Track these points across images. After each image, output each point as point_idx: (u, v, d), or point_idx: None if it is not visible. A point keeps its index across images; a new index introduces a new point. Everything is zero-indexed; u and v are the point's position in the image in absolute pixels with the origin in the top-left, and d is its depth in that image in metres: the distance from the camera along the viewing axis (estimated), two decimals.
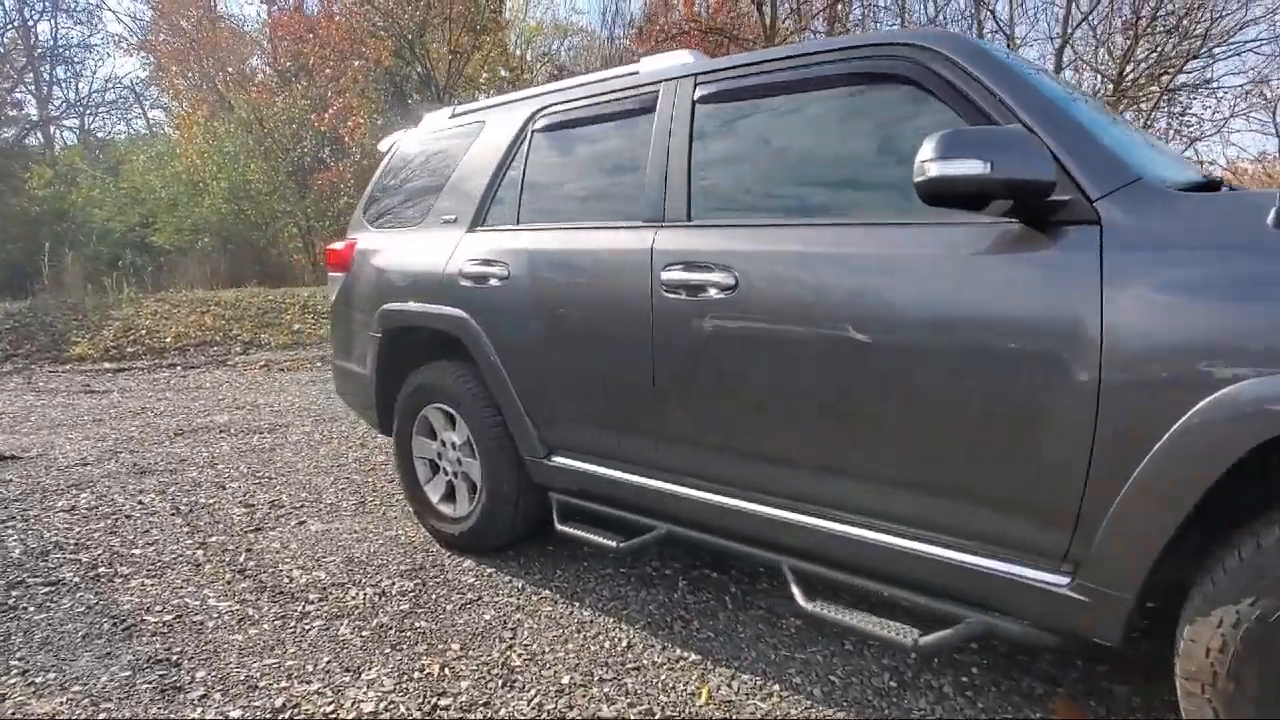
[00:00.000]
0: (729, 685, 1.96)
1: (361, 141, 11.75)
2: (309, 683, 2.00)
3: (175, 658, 2.13)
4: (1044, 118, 1.49)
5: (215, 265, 12.62)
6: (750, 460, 1.93)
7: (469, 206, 2.71)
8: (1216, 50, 11.30)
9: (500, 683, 1.99)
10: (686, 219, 2.05)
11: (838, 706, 1.86)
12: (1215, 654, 1.26)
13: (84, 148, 19.77)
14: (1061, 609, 1.48)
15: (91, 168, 15.53)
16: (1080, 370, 1.37)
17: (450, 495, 2.88)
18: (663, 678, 2.00)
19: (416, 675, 2.03)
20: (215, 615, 2.38)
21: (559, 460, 2.45)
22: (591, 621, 2.31)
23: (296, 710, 1.88)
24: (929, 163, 1.39)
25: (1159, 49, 11.88)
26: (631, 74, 2.38)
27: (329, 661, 2.10)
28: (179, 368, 7.88)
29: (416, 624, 2.31)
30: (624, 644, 2.18)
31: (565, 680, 1.99)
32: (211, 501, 3.49)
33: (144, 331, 8.86)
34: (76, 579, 2.65)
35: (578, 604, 2.43)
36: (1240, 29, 11.14)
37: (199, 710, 1.88)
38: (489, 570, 2.69)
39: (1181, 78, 11.95)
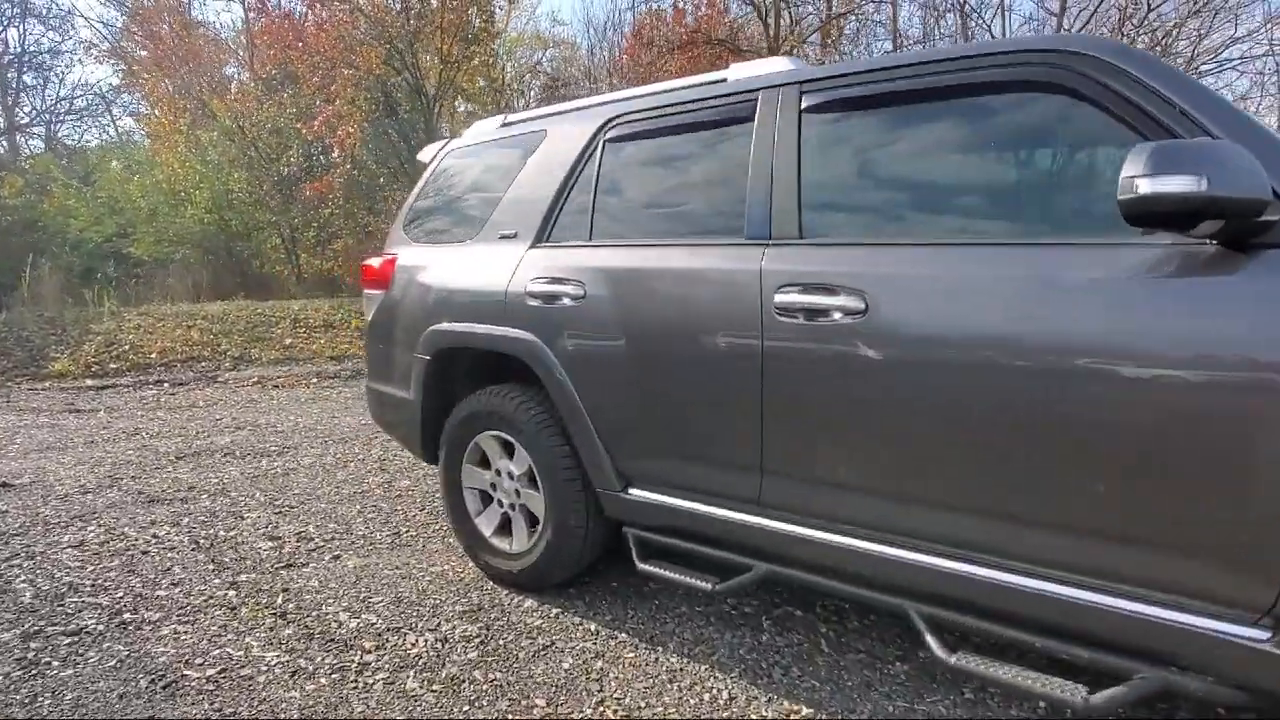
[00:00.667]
0: None
1: (352, 151, 11.49)
2: None
3: None
4: (1241, 130, 1.37)
5: (197, 277, 12.20)
6: (878, 497, 1.78)
7: (531, 221, 2.54)
8: (1203, 68, 11.51)
9: None
10: (798, 237, 1.90)
11: None
12: None
13: (54, 156, 19.14)
14: (1260, 666, 1.35)
15: (67, 176, 14.99)
16: None
17: (505, 529, 2.69)
18: None
19: None
20: (264, 668, 2.17)
21: (637, 493, 2.28)
22: (682, 670, 2.14)
23: None
24: (1139, 179, 1.26)
25: None
26: (718, 82, 2.24)
27: None
28: (166, 385, 7.54)
29: (490, 675, 2.12)
30: (725, 696, 2.01)
31: None
32: (232, 534, 3.25)
33: (127, 347, 8.50)
34: (100, 627, 2.41)
35: (661, 649, 2.26)
36: (1226, 48, 11.38)
37: None
38: (554, 610, 2.50)
39: None
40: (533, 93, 18.09)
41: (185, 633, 2.37)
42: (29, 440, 5.14)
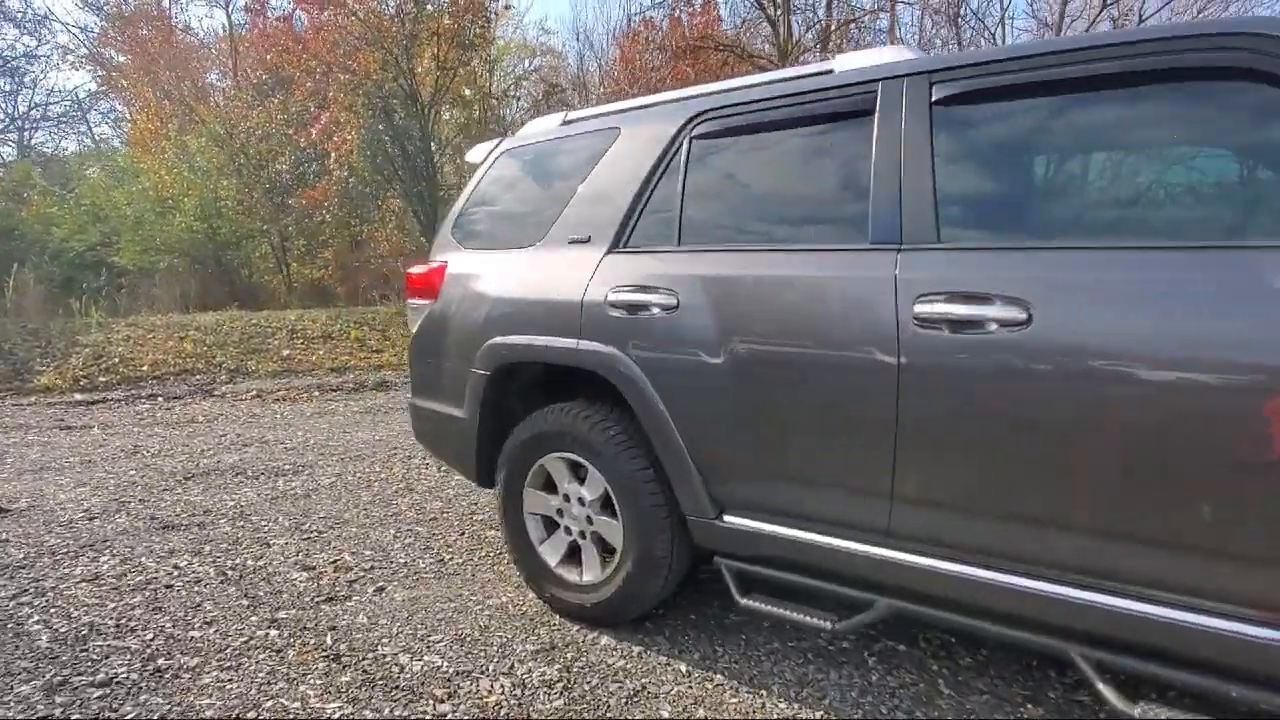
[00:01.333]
0: None
1: (349, 158, 11.20)
2: None
3: None
4: None
5: (185, 287, 11.83)
6: (1040, 528, 1.60)
7: (607, 224, 2.34)
8: None
9: None
10: (935, 240, 1.73)
11: None
12: None
13: (31, 163, 18.60)
14: None
15: (49, 183, 14.52)
16: None
17: (573, 558, 2.49)
18: None
19: None
20: None
21: (734, 520, 2.08)
22: (795, 719, 1.94)
23: None
24: None
25: None
26: (824, 73, 2.07)
27: None
28: (160, 399, 7.22)
29: None
30: None
31: None
32: (261, 563, 3.01)
33: (117, 359, 8.15)
34: (134, 675, 2.16)
35: (765, 693, 2.05)
36: None
37: None
38: (634, 648, 2.29)
39: None
40: (521, 101, 17.94)
41: (230, 681, 2.13)
42: (20, 460, 4.83)
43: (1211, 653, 1.43)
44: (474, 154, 2.96)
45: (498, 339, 2.49)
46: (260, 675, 2.16)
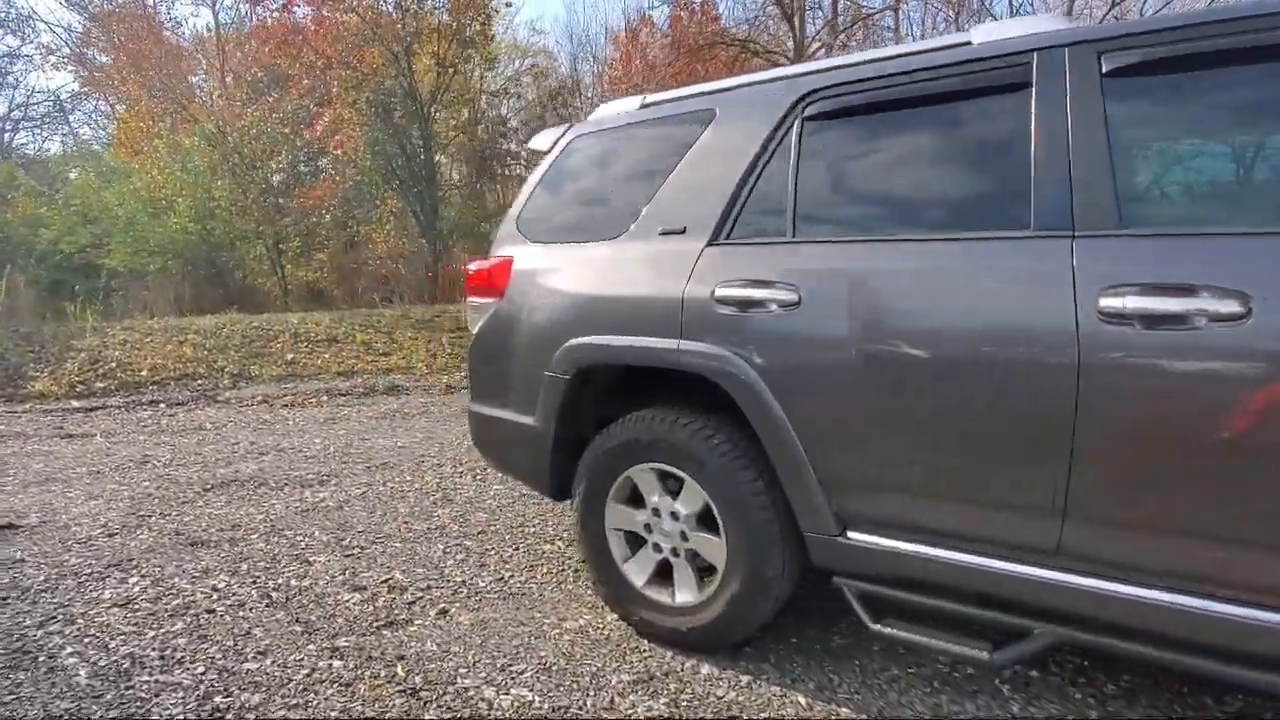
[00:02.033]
0: None
1: (354, 156, 10.92)
2: None
3: None
4: None
5: (178, 290, 11.49)
6: (1259, 550, 1.42)
7: (705, 214, 2.14)
8: None
9: None
10: (1117, 226, 1.55)
11: None
12: None
13: (14, 164, 18.11)
14: None
15: (39, 184, 14.09)
16: None
17: (662, 578, 2.28)
18: None
19: None
20: None
21: (859, 538, 1.89)
22: None
23: None
24: None
25: None
26: (961, 45, 1.89)
27: None
28: (163, 405, 6.92)
29: None
30: None
31: None
32: (306, 584, 2.78)
33: (114, 364, 7.84)
34: (190, 717, 1.93)
35: None
36: None
37: None
38: (741, 677, 2.09)
39: None
40: (516, 101, 17.68)
41: None
42: (24, 471, 4.55)
43: None
44: (539, 140, 2.75)
45: (578, 339, 2.29)
46: (333, 714, 1.94)
